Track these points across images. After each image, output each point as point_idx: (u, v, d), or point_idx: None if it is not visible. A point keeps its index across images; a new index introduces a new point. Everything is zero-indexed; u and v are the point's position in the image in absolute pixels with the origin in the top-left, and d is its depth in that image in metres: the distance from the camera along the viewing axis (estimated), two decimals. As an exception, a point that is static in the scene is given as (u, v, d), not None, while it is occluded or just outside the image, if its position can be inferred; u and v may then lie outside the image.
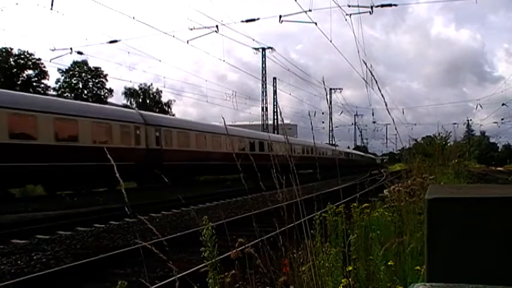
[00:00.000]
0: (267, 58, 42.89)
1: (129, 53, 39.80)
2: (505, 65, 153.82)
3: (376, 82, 2.47)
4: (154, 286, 4.40)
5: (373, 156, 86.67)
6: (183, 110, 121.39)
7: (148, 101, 51.02)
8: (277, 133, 41.12)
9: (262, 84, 45.30)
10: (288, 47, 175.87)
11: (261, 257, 2.50)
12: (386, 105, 2.59)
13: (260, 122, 45.13)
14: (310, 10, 17.97)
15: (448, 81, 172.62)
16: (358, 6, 18.00)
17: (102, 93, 43.72)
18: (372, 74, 2.48)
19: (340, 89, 60.94)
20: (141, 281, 4.32)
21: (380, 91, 2.47)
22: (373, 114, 57.42)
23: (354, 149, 79.00)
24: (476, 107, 47.40)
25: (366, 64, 19.68)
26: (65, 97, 36.06)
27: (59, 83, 42.22)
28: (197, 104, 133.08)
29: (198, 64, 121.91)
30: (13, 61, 37.69)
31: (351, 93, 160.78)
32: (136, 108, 31.64)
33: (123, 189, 1.91)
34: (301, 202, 2.46)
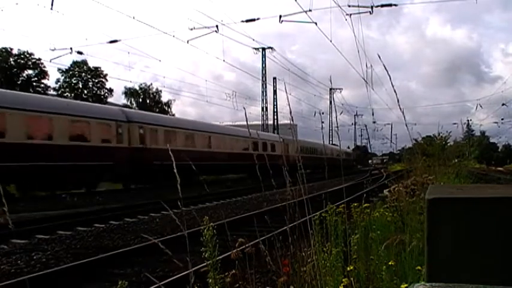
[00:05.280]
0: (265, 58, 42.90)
1: (129, 53, 39.75)
2: (501, 65, 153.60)
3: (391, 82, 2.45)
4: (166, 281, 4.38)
5: (347, 151, 61.83)
6: (182, 109, 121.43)
7: (148, 101, 51.06)
8: (278, 133, 41.12)
9: (262, 84, 45.35)
10: (284, 47, 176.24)
11: (262, 256, 2.51)
12: (398, 100, 2.56)
13: (260, 122, 45.20)
14: (310, 10, 17.97)
15: (446, 81, 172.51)
16: (358, 6, 18.00)
17: (102, 93, 43.74)
18: (390, 74, 2.45)
19: (340, 88, 60.94)
20: (142, 281, 4.32)
21: (394, 90, 2.44)
22: (373, 114, 57.26)
23: (353, 149, 78.58)
24: (476, 107, 47.34)
25: (371, 65, 19.67)
26: (65, 97, 36.10)
27: (59, 83, 42.28)
28: (195, 104, 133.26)
29: (195, 64, 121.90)
30: (13, 61, 37.72)
31: (349, 93, 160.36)
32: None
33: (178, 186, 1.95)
34: (307, 200, 2.48)
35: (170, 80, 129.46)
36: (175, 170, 1.89)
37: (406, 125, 3.76)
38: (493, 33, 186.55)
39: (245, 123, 3.37)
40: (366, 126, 71.78)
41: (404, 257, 2.80)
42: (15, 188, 15.64)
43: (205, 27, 21.37)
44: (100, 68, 42.97)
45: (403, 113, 2.95)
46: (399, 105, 2.67)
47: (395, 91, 2.44)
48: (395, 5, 19.21)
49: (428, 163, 10.46)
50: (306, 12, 17.74)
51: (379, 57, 2.61)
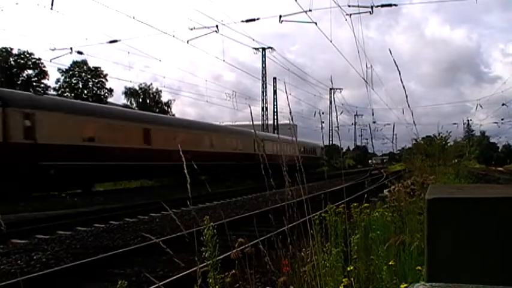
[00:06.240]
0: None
1: (129, 53, 39.69)
2: (501, 65, 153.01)
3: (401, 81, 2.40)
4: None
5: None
6: (181, 109, 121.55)
7: (148, 101, 51.05)
8: (278, 133, 41.14)
9: (262, 84, 45.33)
10: (283, 47, 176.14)
11: (262, 256, 2.50)
12: (407, 96, 2.52)
13: (260, 122, 45.20)
14: (310, 10, 17.97)
15: (446, 82, 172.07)
16: (358, 6, 17.99)
17: (102, 93, 43.72)
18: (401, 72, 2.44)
19: (340, 88, 60.88)
20: (142, 280, 4.31)
21: (403, 86, 2.41)
22: (373, 114, 57.20)
23: (353, 149, 78.30)
24: (476, 107, 47.32)
25: (371, 66, 19.69)
26: (65, 97, 36.09)
27: (59, 83, 42.25)
28: (195, 104, 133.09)
29: (195, 64, 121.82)
30: (13, 61, 37.70)
31: (349, 93, 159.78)
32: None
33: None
34: (307, 200, 2.47)
35: (170, 80, 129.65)
36: None
37: (414, 123, 3.76)
38: (493, 33, 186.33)
39: (245, 123, 3.38)
40: (366, 126, 71.62)
41: (404, 257, 2.80)
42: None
43: (205, 27, 21.38)
44: (100, 68, 42.94)
45: (411, 113, 2.94)
46: (407, 102, 2.65)
47: (404, 87, 2.40)
48: (395, 5, 19.21)
49: (429, 163, 10.47)
50: (306, 12, 17.75)
51: (390, 53, 2.55)
